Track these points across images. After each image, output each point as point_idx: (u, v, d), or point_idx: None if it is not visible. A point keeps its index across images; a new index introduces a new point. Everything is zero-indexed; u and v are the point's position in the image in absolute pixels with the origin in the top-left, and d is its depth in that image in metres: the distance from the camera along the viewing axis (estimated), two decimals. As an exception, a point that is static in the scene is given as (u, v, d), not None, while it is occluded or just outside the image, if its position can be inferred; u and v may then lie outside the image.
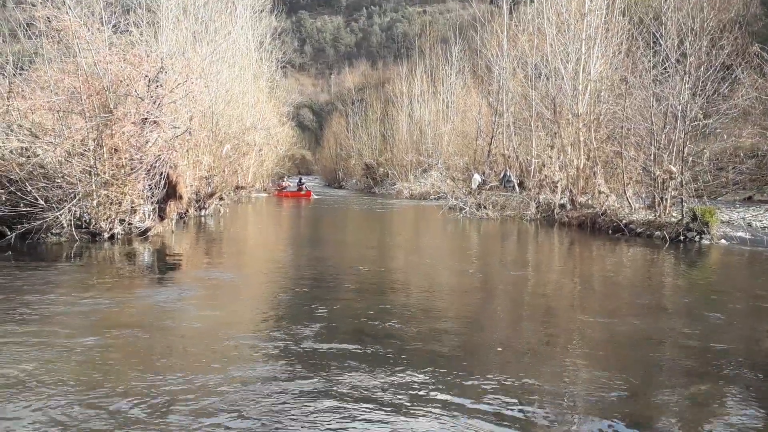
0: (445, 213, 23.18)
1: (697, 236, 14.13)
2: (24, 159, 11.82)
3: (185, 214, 17.02)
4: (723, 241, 14.07)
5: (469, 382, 4.76)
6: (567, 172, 20.26)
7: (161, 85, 13.26)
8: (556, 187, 20.59)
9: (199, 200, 18.95)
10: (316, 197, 37.67)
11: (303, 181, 43.51)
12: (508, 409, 4.29)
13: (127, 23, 16.01)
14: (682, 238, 14.20)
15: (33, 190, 11.59)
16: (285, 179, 44.40)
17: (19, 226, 11.47)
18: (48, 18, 12.79)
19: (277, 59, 39.77)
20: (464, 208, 22.44)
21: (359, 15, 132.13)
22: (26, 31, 14.36)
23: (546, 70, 23.14)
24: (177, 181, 13.75)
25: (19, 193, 11.55)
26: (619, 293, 9.06)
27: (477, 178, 27.85)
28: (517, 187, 26.12)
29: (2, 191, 11.58)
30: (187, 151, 15.61)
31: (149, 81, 13.11)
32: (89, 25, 12.92)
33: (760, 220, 17.17)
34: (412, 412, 4.21)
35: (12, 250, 10.73)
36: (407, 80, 47.79)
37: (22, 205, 11.56)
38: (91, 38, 12.79)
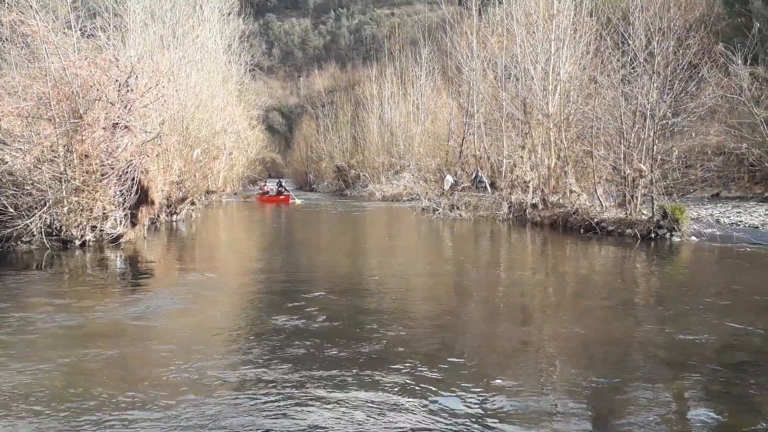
0: (418, 214, 23.22)
1: (668, 233, 14.31)
2: (-8, 166, 11.62)
3: (157, 219, 16.85)
4: (693, 237, 14.26)
5: (444, 384, 4.78)
6: (538, 172, 20.41)
7: (132, 90, 13.12)
8: (528, 187, 20.72)
9: (171, 205, 18.78)
10: (299, 201, 35.09)
11: (282, 183, 39.84)
12: (481, 408, 4.33)
13: (94, 27, 15.80)
14: (653, 235, 14.38)
15: (2, 198, 11.40)
16: (266, 183, 40.72)
17: (-13, 235, 11.28)
18: (14, 23, 12.58)
19: (246, 62, 39.55)
20: (437, 209, 22.49)
21: (327, 17, 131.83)
22: (-9, 36, 14.11)
23: (516, 70, 23.27)
24: (148, 186, 13.60)
25: (-13, 202, 11.36)
26: (592, 292, 9.15)
27: (449, 179, 27.91)
28: (489, 187, 26.22)
29: (-30, 200, 11.37)
30: (158, 155, 15.44)
31: (120, 85, 12.96)
32: (56, 30, 12.74)
33: (728, 217, 17.46)
34: (387, 412, 4.22)
35: (-19, 260, 10.57)
36: (377, 82, 47.76)
37: (-10, 213, 11.37)
38: (60, 43, 12.61)
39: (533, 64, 21.38)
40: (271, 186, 39.11)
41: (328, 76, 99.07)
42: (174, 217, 19.22)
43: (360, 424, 4.04)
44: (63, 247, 12.07)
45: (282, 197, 35.45)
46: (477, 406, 4.35)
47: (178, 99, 20.23)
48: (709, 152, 21.98)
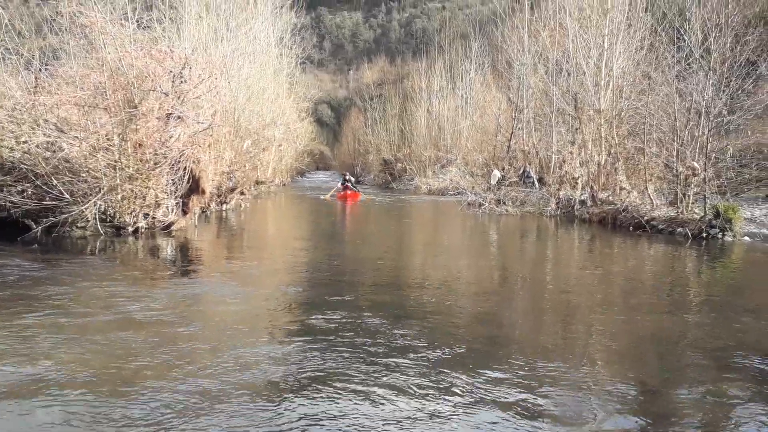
0: (464, 209, 23.11)
1: (720, 233, 14.03)
2: (50, 153, 11.91)
3: (207, 208, 17.12)
4: (746, 238, 13.98)
5: (489, 379, 4.79)
6: (588, 168, 20.19)
7: (185, 81, 13.35)
8: (577, 183, 20.52)
9: (221, 195, 19.05)
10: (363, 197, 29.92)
11: (348, 178, 32.01)
12: (527, 404, 4.33)
13: (150, 19, 16.12)
14: (704, 235, 14.11)
15: (58, 184, 11.71)
16: (344, 176, 32.81)
17: (44, 220, 11.58)
18: (73, 14, 12.93)
19: (297, 55, 39.74)
20: (483, 204, 22.36)
21: (378, 11, 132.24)
22: (51, 26, 14.50)
23: (567, 65, 23.06)
24: (200, 175, 13.85)
25: (44, 187, 11.66)
26: (641, 290, 9.02)
27: (496, 173, 27.78)
28: (536, 183, 26.03)
29: (28, 185, 11.68)
30: (209, 146, 15.69)
31: (174, 77, 13.20)
32: (113, 21, 13.04)
33: (784, 218, 17.02)
34: (431, 407, 4.25)
35: (38, 244, 10.87)
36: (426, 76, 47.58)
37: (47, 198, 11.67)
38: (116, 34, 12.91)
39: (585, 59, 21.17)
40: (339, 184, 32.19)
41: (377, 70, 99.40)
42: (224, 207, 19.49)
43: (402, 417, 4.08)
44: (116, 233, 12.35)
45: (349, 193, 29.31)
46: (520, 401, 4.35)
47: (230, 91, 20.50)
48: (766, 151, 21.39)
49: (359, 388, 4.48)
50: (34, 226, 11.47)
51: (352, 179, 32.71)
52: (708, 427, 4.12)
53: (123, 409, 4.01)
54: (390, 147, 53.19)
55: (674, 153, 16.11)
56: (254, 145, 24.66)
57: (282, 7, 34.08)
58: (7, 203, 11.49)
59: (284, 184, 44.39)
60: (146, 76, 12.90)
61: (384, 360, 5.09)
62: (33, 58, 13.54)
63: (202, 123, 13.88)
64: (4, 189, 11.57)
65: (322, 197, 29.77)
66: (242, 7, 26.64)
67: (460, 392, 4.47)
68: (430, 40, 56.03)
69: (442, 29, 50.76)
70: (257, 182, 28.31)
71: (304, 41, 43.69)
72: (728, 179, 15.79)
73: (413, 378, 4.70)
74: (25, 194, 11.62)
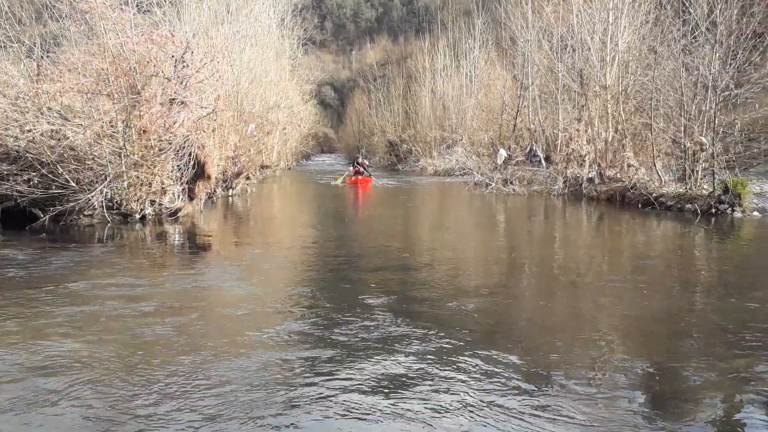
0: (471, 189, 23.03)
1: (729, 209, 13.94)
2: (54, 142, 11.89)
3: (213, 194, 17.08)
4: (756, 213, 13.89)
5: (496, 360, 4.77)
6: (595, 146, 20.04)
7: (187, 66, 13.26)
8: (584, 160, 20.40)
9: (227, 180, 19.03)
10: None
11: (359, 159, 30.11)
12: (534, 384, 4.30)
13: (150, 3, 16.00)
14: (713, 211, 14.02)
15: (64, 173, 11.70)
16: (357, 158, 31.15)
17: (51, 209, 11.58)
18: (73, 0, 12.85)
19: (298, 36, 39.53)
20: (490, 184, 22.28)
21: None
22: (51, 12, 14.41)
23: (572, 41, 22.83)
24: (205, 161, 13.81)
25: (50, 176, 11.66)
26: (650, 268, 8.96)
27: (503, 153, 27.62)
28: (543, 161, 25.88)
29: (34, 174, 11.68)
30: (213, 131, 15.63)
31: (176, 61, 13.11)
32: (113, 6, 12.94)
33: (793, 192, 16.88)
34: (438, 387, 4.23)
35: (46, 232, 10.89)
36: (429, 55, 47.21)
37: (54, 187, 11.67)
38: (117, 19, 12.82)
39: (590, 34, 20.93)
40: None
41: (380, 49, 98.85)
42: (230, 192, 19.49)
43: (410, 401, 4.05)
44: (123, 220, 12.35)
45: (360, 178, 28.00)
46: (528, 382, 4.32)
47: (232, 74, 20.41)
48: (774, 124, 21.22)
49: (369, 372, 4.45)
50: (42, 215, 11.47)
51: (365, 162, 30.16)
52: (717, 406, 4.08)
53: (130, 402, 3.98)
54: (395, 128, 52.97)
55: (682, 128, 15.98)
56: (258, 129, 24.59)
57: (282, -13, 33.84)
58: (14, 192, 11.51)
59: (289, 168, 44.35)
60: (148, 62, 12.83)
61: (389, 345, 5.05)
62: (34, 46, 13.47)
63: (205, 108, 13.83)
64: (11, 178, 11.57)
65: (332, 183, 28.65)
66: (243, -11, 26.43)
67: (464, 374, 4.43)
68: (432, 18, 55.47)
69: (445, 6, 50.42)
70: (262, 166, 28.25)
71: (305, 22, 43.47)
72: (737, 154, 15.64)
73: (420, 359, 4.67)
74: (31, 183, 11.62)
